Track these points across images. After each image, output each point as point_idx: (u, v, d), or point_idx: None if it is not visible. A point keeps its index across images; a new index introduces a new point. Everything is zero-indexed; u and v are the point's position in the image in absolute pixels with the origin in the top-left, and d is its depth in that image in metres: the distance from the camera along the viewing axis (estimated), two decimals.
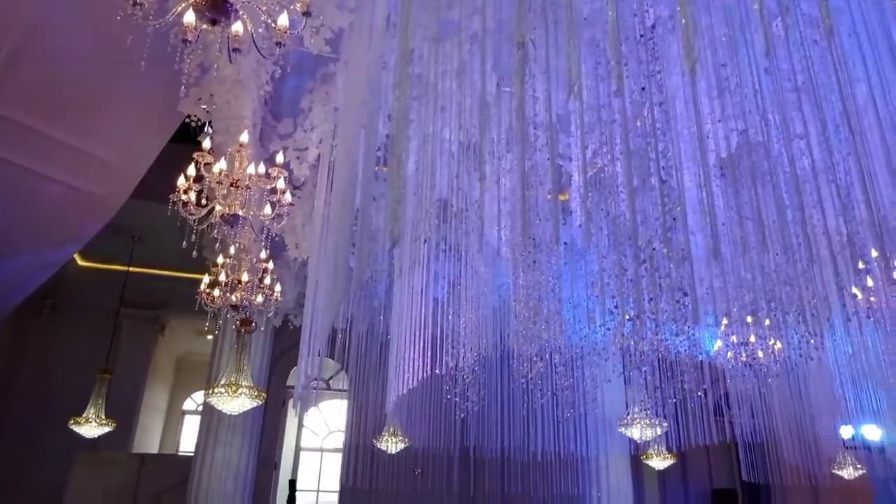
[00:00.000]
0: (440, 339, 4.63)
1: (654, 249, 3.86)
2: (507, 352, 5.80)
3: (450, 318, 4.73)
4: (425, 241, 4.54)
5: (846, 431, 8.92)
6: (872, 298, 5.43)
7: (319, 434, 15.00)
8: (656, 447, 10.18)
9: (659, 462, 10.60)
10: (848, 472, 10.13)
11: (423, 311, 4.61)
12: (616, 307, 3.92)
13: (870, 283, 5.43)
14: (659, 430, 8.47)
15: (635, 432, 8.33)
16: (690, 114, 4.65)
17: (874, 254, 5.18)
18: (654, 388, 7.05)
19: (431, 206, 5.18)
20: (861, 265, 5.35)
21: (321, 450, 14.81)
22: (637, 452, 9.69)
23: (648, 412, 8.08)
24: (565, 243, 6.04)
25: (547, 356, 5.14)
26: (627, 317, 3.91)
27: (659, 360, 6.76)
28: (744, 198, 4.94)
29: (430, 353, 4.47)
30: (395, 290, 5.66)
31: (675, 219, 3.85)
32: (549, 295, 4.51)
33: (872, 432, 8.85)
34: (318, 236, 5.13)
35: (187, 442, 14.62)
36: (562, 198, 6.67)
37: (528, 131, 4.60)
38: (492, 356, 6.74)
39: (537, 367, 5.16)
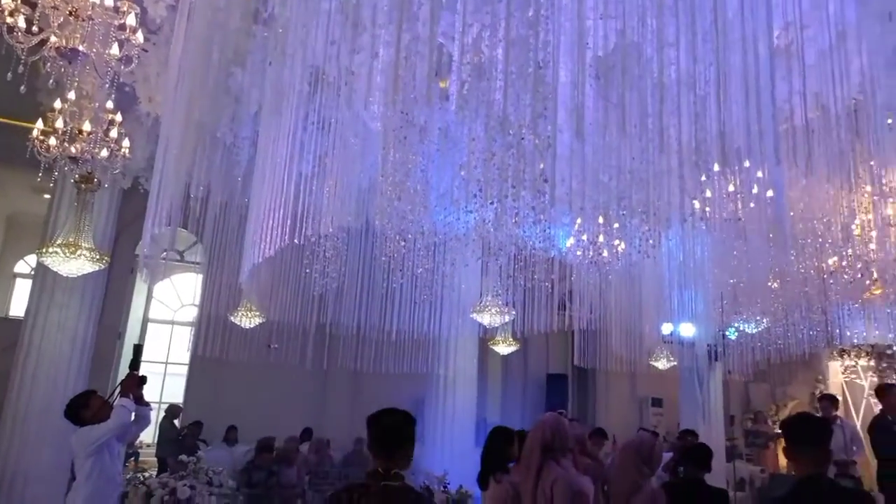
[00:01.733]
0: (302, 210, 4.49)
1: (522, 138, 3.91)
2: (371, 231, 5.79)
3: (314, 189, 4.57)
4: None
5: (666, 328, 10.08)
6: (707, 209, 5.97)
7: (171, 307, 14.50)
8: (503, 334, 10.95)
9: (504, 347, 11.45)
10: (662, 364, 11.58)
11: (285, 179, 4.42)
12: (480, 190, 3.99)
13: (708, 194, 5.94)
14: (507, 318, 9.07)
15: (485, 318, 8.85)
16: (574, 4, 4.64)
17: (716, 168, 5.65)
18: (507, 278, 7.44)
19: (304, 71, 4.86)
20: (703, 177, 5.85)
21: (172, 322, 14.38)
22: (485, 337, 10.36)
23: (499, 300, 8.59)
24: (439, 129, 5.99)
25: (409, 237, 5.19)
26: (490, 201, 3.99)
27: (515, 253, 7.11)
28: (613, 99, 5.11)
29: (289, 222, 4.33)
30: (258, 158, 5.37)
31: (546, 108, 3.91)
32: (416, 174, 4.49)
33: (687, 329, 10.07)
34: (173, 89, 4.66)
35: (18, 307, 13.53)
36: (441, 84, 6.54)
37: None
38: (354, 233, 6.72)
39: (399, 247, 5.20)
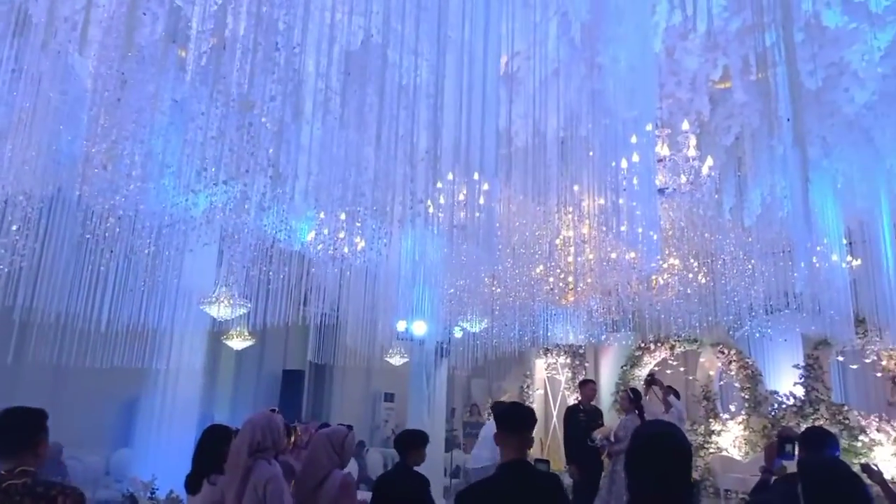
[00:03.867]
0: None
1: (251, 123, 3.71)
2: (76, 202, 5.00)
3: None
4: None
5: (401, 325, 10.53)
6: (441, 214, 6.34)
7: None
8: (238, 328, 10.40)
9: (239, 342, 10.89)
10: (396, 360, 12.09)
11: None
12: (205, 169, 3.70)
13: (442, 200, 6.32)
14: (242, 311, 8.62)
15: (216, 310, 8.31)
16: None
17: (450, 176, 6.05)
18: (244, 268, 7.06)
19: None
20: (440, 184, 6.21)
21: None
22: (217, 330, 9.71)
23: (234, 292, 8.12)
24: (175, 101, 5.46)
25: (122, 213, 4.60)
26: (216, 182, 3.73)
27: (254, 243, 6.79)
28: (359, 97, 5.15)
29: None
30: None
31: (283, 92, 3.77)
32: (136, 145, 4.00)
33: (420, 327, 10.64)
34: None
35: None
36: (181, 53, 6.00)
37: None
38: (65, 204, 5.81)
39: (111, 223, 4.60)
